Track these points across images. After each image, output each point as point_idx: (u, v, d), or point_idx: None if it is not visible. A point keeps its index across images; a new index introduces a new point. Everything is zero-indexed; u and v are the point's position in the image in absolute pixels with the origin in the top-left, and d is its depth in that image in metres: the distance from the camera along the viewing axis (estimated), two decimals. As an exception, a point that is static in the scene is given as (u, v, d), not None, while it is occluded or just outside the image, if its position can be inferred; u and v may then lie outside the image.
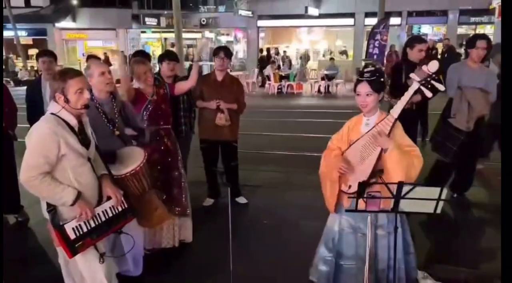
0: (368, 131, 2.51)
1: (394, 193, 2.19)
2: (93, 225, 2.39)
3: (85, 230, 2.35)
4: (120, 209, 2.55)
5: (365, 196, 2.27)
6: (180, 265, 3.48)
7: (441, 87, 2.46)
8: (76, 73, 2.37)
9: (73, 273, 2.53)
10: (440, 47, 16.90)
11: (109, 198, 2.52)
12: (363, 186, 2.27)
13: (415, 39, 4.35)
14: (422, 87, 2.42)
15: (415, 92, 2.45)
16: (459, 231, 4.06)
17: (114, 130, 2.99)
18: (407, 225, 2.67)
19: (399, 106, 2.43)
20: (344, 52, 22.52)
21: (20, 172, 2.25)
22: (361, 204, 2.27)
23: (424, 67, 2.42)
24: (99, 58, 3.70)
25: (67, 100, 2.29)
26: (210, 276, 3.30)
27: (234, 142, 4.59)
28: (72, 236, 2.29)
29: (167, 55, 4.28)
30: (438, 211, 2.22)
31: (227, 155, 4.63)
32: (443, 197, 2.18)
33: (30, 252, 3.87)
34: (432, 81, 2.40)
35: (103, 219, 2.45)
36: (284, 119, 10.26)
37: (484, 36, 4.28)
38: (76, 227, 2.32)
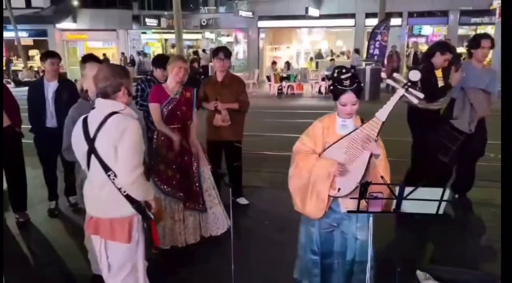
0: (349, 133, 2.46)
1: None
2: None
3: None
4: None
5: (367, 196, 2.25)
6: (180, 266, 3.47)
7: (420, 95, 2.39)
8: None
9: (111, 260, 2.38)
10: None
11: None
12: (365, 187, 2.26)
13: (444, 47, 4.23)
14: (406, 94, 2.38)
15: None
16: (461, 232, 4.06)
17: None
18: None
19: (386, 110, 2.38)
20: (343, 53, 22.61)
21: (121, 176, 2.19)
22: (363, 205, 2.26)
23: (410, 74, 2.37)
24: (98, 59, 3.67)
25: (130, 95, 2.36)
26: (212, 277, 3.30)
27: (237, 142, 4.57)
28: None
29: (162, 63, 4.15)
30: (441, 211, 2.21)
31: (230, 155, 4.63)
32: (445, 197, 2.16)
33: (31, 252, 3.87)
34: (410, 89, 2.36)
35: None
36: (284, 120, 10.26)
37: (487, 36, 4.27)
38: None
